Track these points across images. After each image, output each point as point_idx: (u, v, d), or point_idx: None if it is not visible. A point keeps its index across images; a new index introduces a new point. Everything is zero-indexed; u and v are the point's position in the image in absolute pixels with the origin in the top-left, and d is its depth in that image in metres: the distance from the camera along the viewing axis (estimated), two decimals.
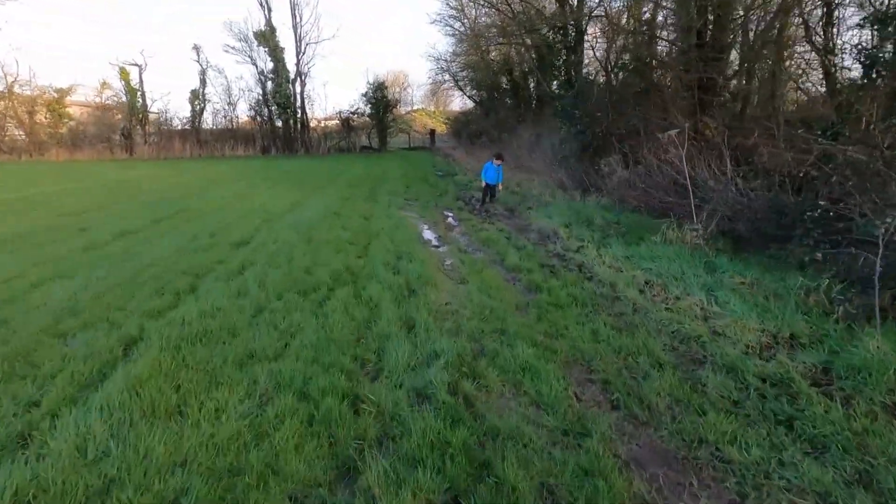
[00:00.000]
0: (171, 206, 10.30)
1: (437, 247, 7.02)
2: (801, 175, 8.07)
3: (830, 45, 9.20)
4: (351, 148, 31.70)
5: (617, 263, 5.74)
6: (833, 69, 9.10)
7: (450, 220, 9.18)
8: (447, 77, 30.11)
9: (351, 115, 31.58)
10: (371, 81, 31.55)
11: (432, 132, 35.68)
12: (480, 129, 25.16)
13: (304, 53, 30.30)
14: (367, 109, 31.52)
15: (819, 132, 7.94)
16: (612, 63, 17.61)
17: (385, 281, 5.09)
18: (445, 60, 29.21)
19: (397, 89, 35.99)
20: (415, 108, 49.12)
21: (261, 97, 29.93)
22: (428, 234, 7.86)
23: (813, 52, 9.69)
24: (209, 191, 13.00)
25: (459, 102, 38.80)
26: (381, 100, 30.96)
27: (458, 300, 4.74)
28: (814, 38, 9.33)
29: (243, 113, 31.62)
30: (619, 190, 10.42)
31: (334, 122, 33.33)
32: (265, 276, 5.27)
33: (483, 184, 10.14)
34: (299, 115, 30.89)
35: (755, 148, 9.66)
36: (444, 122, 39.95)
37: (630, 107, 13.92)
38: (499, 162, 9.98)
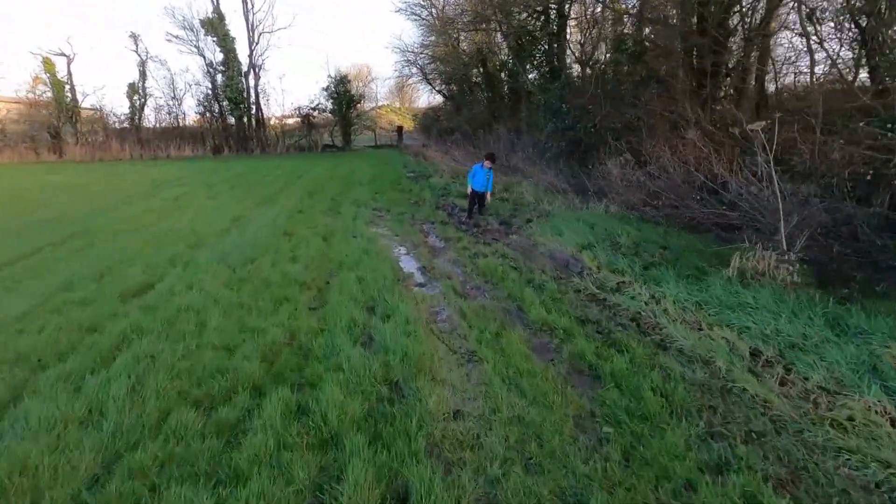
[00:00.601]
0: (69, 225, 7.92)
1: (423, 285, 5.08)
2: (868, 177, 6.54)
3: (875, 23, 7.71)
4: (312, 147, 29.18)
5: (687, 314, 3.95)
6: (887, 50, 7.63)
7: (432, 238, 7.24)
8: (414, 70, 28.05)
9: (311, 112, 29.04)
10: (332, 75, 29.11)
11: (399, 129, 33.51)
12: (452, 125, 23.26)
13: (257, 44, 27.56)
14: (329, 105, 29.07)
15: (890, 125, 6.39)
16: (589, 55, 16.03)
17: (351, 369, 3.11)
18: (412, 52, 27.14)
19: (361, 84, 33.64)
20: (379, 104, 46.87)
21: (210, 92, 27.01)
22: (408, 264, 5.90)
23: (853, 30, 8.25)
24: (133, 202, 10.59)
25: (427, 98, 36.82)
26: (343, 94, 28.55)
27: (474, 403, 2.83)
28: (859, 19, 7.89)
29: (191, 109, 28.66)
30: (628, 195, 8.75)
31: (295, 119, 30.72)
32: (151, 364, 3.19)
33: (469, 190, 8.24)
34: (254, 112, 28.14)
35: (792, 144, 8.14)
36: (412, 119, 37.83)
37: (628, 98, 12.32)
38: (489, 164, 8.11)
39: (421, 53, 26.94)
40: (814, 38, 8.29)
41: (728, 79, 11.45)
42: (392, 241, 7.04)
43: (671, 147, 9.69)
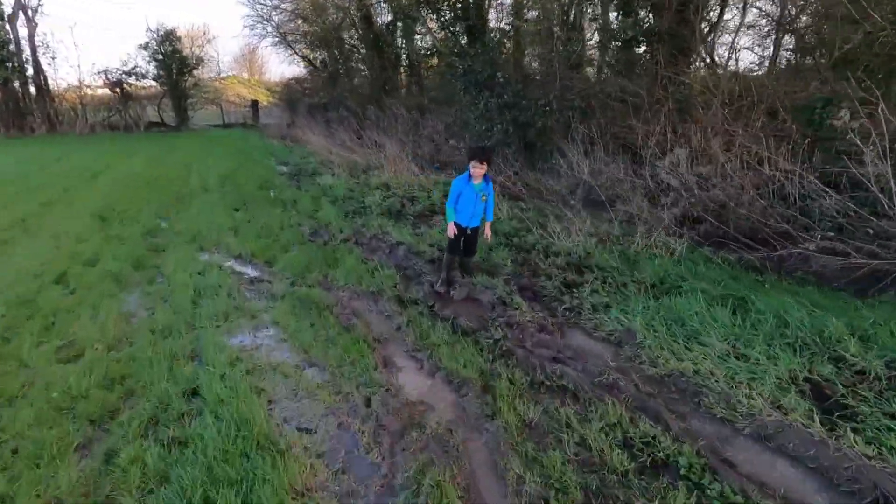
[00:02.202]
0: None
1: None
2: None
3: None
4: (132, 126, 21.28)
5: None
6: None
7: (413, 377, 2.90)
8: (269, 29, 21.65)
9: (125, 77, 20.99)
10: (155, 29, 21.27)
11: (254, 104, 26.62)
12: (328, 100, 18.00)
13: None
14: (152, 70, 21.32)
15: None
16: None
17: None
18: (265, 5, 20.79)
19: (196, 46, 25.62)
20: (223, 75, 38.23)
21: None
22: None
23: None
24: None
25: (282, 70, 30.14)
26: (171, 56, 21.05)
27: None
28: None
29: None
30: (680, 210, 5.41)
31: (107, 90, 22.15)
32: None
33: (450, 230, 3.89)
34: (31, 74, 19.30)
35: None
36: (268, 93, 30.81)
37: (601, 64, 8.98)
38: (482, 169, 3.84)
39: (276, 8, 20.77)
40: None
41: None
42: (307, 410, 2.54)
43: (685, 137, 6.59)
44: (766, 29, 7.98)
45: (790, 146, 5.47)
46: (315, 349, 3.01)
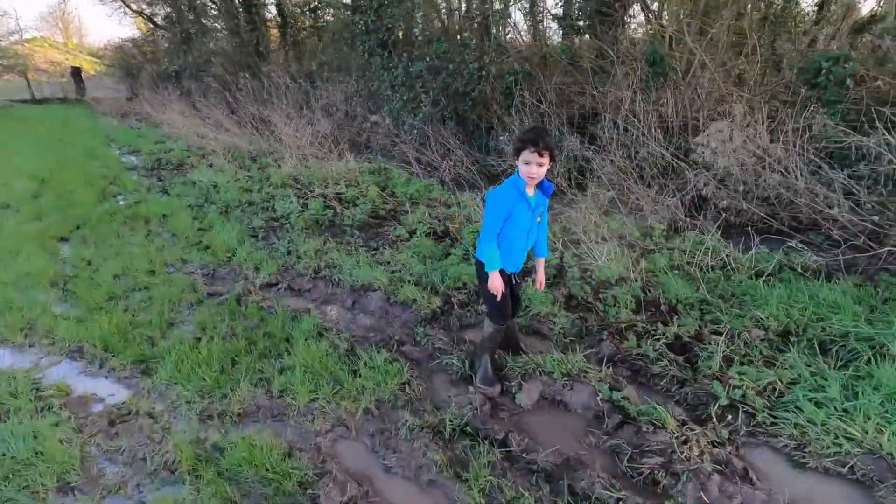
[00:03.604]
0: None
1: None
2: None
3: None
4: None
5: None
6: None
7: None
8: None
9: None
10: None
11: (76, 72, 20.56)
12: (181, 67, 14.18)
13: None
14: None
15: None
16: None
17: None
18: None
19: None
20: (25, 36, 29.53)
21: None
22: None
23: None
24: None
25: (114, 29, 23.97)
26: None
27: None
28: None
29: None
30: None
31: None
32: None
33: (497, 282, 2.06)
34: None
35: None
36: (96, 59, 24.26)
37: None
38: (544, 164, 1.94)
39: None
40: None
41: None
42: None
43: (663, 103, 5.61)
44: None
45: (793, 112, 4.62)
46: None
